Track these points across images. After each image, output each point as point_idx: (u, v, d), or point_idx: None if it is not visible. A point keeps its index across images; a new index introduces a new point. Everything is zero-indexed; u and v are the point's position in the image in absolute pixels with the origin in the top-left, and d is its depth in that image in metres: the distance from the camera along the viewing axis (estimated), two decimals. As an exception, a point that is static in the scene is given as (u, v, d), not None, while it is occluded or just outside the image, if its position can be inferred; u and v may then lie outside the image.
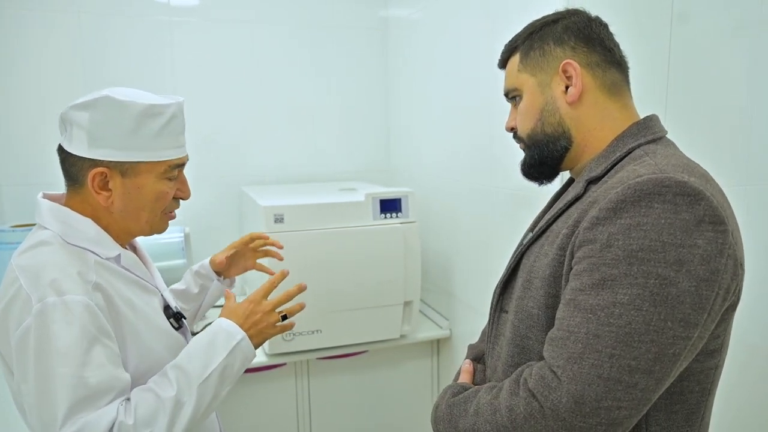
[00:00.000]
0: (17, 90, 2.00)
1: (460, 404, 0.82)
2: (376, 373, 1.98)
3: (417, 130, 2.25)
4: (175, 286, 1.33)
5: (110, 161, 0.93)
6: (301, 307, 1.13)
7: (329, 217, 1.71)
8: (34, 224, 0.99)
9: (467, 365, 0.99)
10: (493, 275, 1.69)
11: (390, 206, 1.78)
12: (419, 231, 1.84)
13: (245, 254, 1.38)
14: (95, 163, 0.93)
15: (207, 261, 1.35)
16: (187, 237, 2.03)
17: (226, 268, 1.35)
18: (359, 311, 1.79)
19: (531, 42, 0.87)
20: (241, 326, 1.01)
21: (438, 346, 2.07)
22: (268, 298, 1.09)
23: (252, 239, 1.37)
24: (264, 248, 1.39)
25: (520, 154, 1.50)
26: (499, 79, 1.60)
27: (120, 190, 0.96)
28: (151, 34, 2.14)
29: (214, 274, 1.34)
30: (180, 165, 1.02)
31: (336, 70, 2.42)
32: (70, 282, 0.86)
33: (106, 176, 0.94)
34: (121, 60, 2.10)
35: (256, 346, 1.04)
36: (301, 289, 1.13)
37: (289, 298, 1.11)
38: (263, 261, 1.41)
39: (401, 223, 1.79)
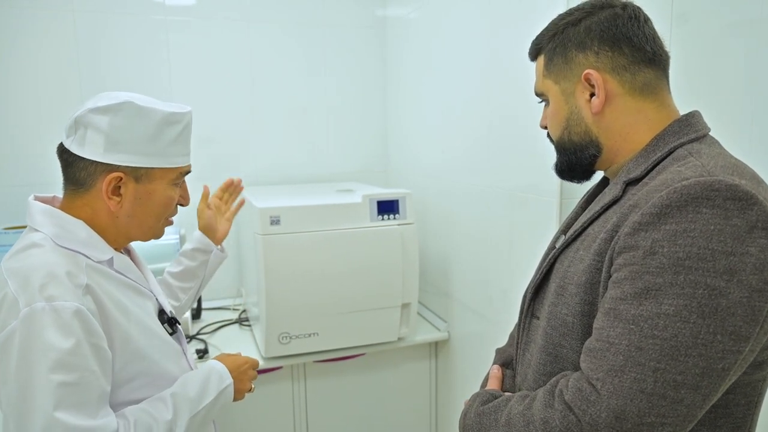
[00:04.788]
0: (10, 91, 1.98)
1: (490, 413, 0.79)
2: (374, 376, 1.96)
3: (414, 130, 2.23)
4: (170, 269, 1.36)
5: (127, 166, 0.94)
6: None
7: (326, 218, 1.70)
8: (26, 226, 0.97)
9: (496, 371, 0.96)
10: (491, 277, 1.70)
11: (387, 207, 1.77)
12: (417, 232, 1.82)
13: (221, 210, 1.45)
14: (110, 167, 0.93)
15: (200, 235, 1.39)
16: (182, 239, 2.01)
17: (212, 231, 1.41)
18: (356, 314, 1.77)
19: (554, 45, 0.82)
20: (231, 373, 1.09)
21: (436, 348, 2.06)
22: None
23: (223, 192, 1.46)
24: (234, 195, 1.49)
25: (518, 155, 1.51)
26: (497, 79, 1.60)
27: (131, 196, 0.96)
28: (147, 34, 2.12)
29: (213, 245, 1.39)
30: (188, 172, 1.06)
31: (333, 70, 2.40)
32: (60, 287, 0.84)
33: (121, 180, 0.94)
34: (116, 60, 2.09)
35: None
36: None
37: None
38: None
39: (399, 224, 1.78)
